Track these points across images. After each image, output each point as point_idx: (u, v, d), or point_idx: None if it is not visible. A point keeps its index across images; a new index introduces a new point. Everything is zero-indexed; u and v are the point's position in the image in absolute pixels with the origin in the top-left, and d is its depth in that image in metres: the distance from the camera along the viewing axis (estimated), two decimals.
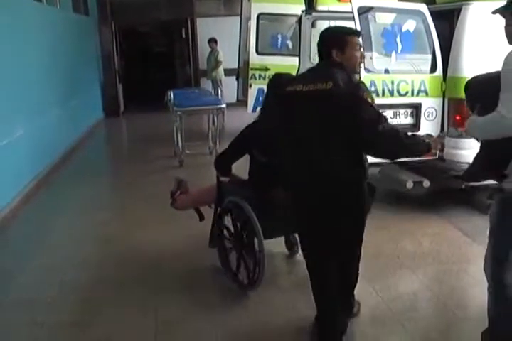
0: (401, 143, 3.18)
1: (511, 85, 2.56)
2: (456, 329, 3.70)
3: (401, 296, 4.11)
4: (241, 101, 10.36)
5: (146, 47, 19.43)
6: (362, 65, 5.13)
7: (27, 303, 4.12)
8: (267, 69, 8.91)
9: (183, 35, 15.75)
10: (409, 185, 5.53)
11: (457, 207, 5.81)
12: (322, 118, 3.17)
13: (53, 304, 4.11)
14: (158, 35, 19.67)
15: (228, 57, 12.05)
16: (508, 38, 2.74)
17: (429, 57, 5.54)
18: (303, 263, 3.57)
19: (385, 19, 5.96)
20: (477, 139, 2.96)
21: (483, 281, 3.02)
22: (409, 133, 3.33)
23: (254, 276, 3.99)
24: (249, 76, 9.20)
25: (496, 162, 2.85)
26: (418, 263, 4.60)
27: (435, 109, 5.51)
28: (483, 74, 3.04)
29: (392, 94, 5.40)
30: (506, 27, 2.73)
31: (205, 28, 14.00)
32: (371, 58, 5.42)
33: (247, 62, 9.44)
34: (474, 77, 3.16)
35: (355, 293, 3.66)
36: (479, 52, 5.17)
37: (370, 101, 3.15)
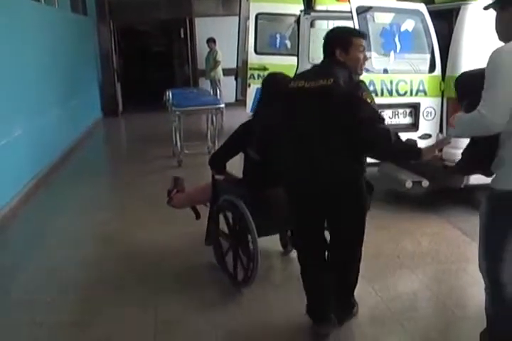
0: (395, 146, 3.19)
1: (495, 83, 2.56)
2: (455, 328, 3.70)
3: (400, 296, 4.12)
4: (240, 101, 10.36)
5: (144, 46, 19.44)
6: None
7: (27, 303, 4.12)
8: (265, 68, 8.91)
9: (182, 35, 15.77)
10: (409, 184, 5.54)
11: (456, 207, 5.81)
12: (322, 115, 3.21)
13: (53, 304, 4.11)
14: (156, 35, 19.69)
15: (227, 57, 12.07)
16: (497, 34, 2.76)
17: (428, 56, 5.55)
18: (297, 261, 3.63)
19: (383, 19, 5.96)
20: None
21: (482, 280, 3.02)
22: (406, 138, 3.37)
23: (248, 273, 4.03)
24: (248, 76, 9.20)
25: (481, 157, 2.86)
26: (417, 263, 4.60)
27: (434, 109, 5.51)
28: (473, 70, 3.05)
29: (391, 93, 5.41)
30: (496, 22, 2.75)
31: (204, 27, 14.00)
32: (370, 58, 5.42)
33: (245, 62, 9.44)
34: (463, 73, 3.18)
35: (355, 293, 3.66)
36: (478, 51, 5.17)
37: (369, 101, 3.17)
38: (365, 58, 3.41)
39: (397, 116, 5.49)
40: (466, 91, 2.99)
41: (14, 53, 6.86)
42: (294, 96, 3.38)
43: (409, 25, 5.55)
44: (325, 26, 8.00)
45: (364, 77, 5.14)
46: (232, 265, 4.19)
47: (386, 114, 5.42)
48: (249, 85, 9.21)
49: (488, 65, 2.61)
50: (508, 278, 2.84)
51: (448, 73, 5.42)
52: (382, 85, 5.37)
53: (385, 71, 5.49)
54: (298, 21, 7.77)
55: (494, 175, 2.80)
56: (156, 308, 3.96)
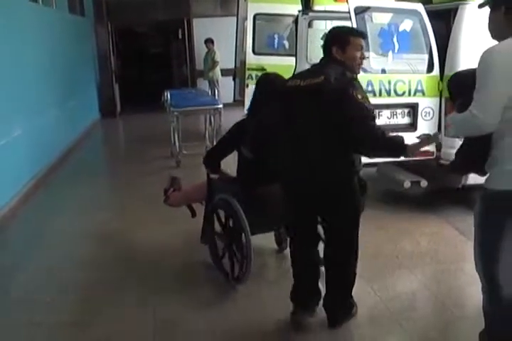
0: (382, 142, 3.24)
1: (486, 83, 2.57)
2: (454, 328, 3.71)
3: (399, 296, 4.13)
4: (238, 102, 10.35)
5: (142, 47, 19.43)
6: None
7: (26, 303, 4.13)
8: (263, 69, 8.89)
9: (180, 36, 15.76)
10: (407, 184, 5.54)
11: (454, 207, 5.82)
12: (315, 113, 3.26)
13: (53, 304, 4.11)
14: (154, 36, 19.68)
15: (225, 58, 12.06)
16: (490, 32, 2.77)
17: (426, 56, 5.54)
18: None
19: (381, 19, 5.96)
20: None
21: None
22: (393, 134, 3.43)
23: (242, 270, 4.07)
24: (246, 76, 9.18)
25: (474, 156, 2.86)
26: (416, 263, 4.61)
27: (432, 109, 5.51)
28: (466, 70, 3.07)
29: (389, 94, 5.40)
30: (489, 21, 2.76)
31: (202, 28, 13.99)
32: (368, 58, 5.42)
33: (243, 63, 9.43)
34: (456, 73, 3.19)
35: (353, 293, 3.67)
36: (476, 51, 5.16)
37: (360, 97, 3.19)
38: (363, 57, 3.44)
39: (395, 116, 5.49)
40: (458, 91, 3.01)
41: (12, 54, 6.86)
42: (291, 95, 3.43)
43: (407, 25, 5.55)
44: (323, 26, 8.01)
45: (362, 77, 5.21)
46: (227, 262, 4.24)
47: (384, 114, 5.43)
48: (248, 85, 9.19)
49: (479, 65, 2.62)
50: (505, 278, 2.83)
51: (446, 73, 5.41)
52: (381, 85, 5.37)
53: (383, 71, 5.49)
54: (296, 22, 7.77)
55: (487, 175, 2.80)
56: (154, 308, 3.97)
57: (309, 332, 3.59)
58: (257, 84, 4.31)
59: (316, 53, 8.24)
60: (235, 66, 10.46)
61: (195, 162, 7.77)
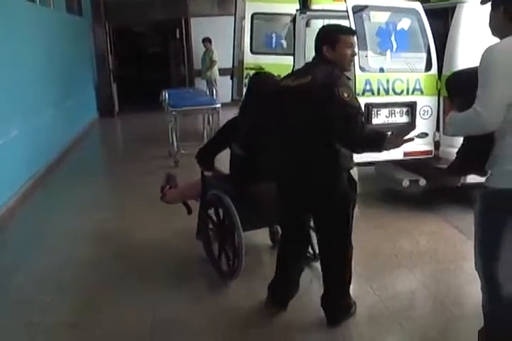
0: (365, 136, 3.27)
1: (488, 82, 2.57)
2: (453, 327, 3.70)
3: (398, 295, 4.12)
4: (236, 101, 10.31)
5: (140, 47, 19.41)
6: (357, 62, 5.20)
7: (26, 303, 4.12)
8: (261, 68, 8.88)
9: (178, 35, 15.73)
10: (405, 183, 5.55)
11: (453, 206, 5.82)
12: (305, 112, 3.31)
13: (52, 304, 4.11)
14: (152, 35, 19.66)
15: (223, 57, 12.03)
16: (490, 29, 2.78)
17: (424, 55, 5.54)
18: None
19: (379, 18, 5.94)
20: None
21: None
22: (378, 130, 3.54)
23: (233, 266, 4.14)
24: (244, 75, 9.17)
25: (474, 157, 2.86)
26: (415, 262, 4.61)
27: (430, 108, 5.50)
28: (465, 69, 3.07)
29: (387, 92, 5.40)
30: (489, 18, 2.77)
31: (200, 27, 13.98)
32: (366, 57, 5.42)
33: (241, 62, 9.42)
34: (455, 72, 3.19)
35: (352, 292, 3.67)
36: (474, 50, 5.15)
37: (346, 96, 3.20)
38: (354, 54, 3.48)
39: (393, 115, 5.48)
40: (457, 90, 3.01)
41: (10, 54, 6.84)
42: (282, 96, 3.50)
43: (405, 24, 5.54)
44: (321, 25, 7.99)
45: (360, 76, 5.24)
46: (219, 258, 4.33)
47: (383, 113, 5.42)
48: (246, 85, 9.19)
49: (480, 63, 2.62)
50: (504, 277, 2.83)
51: (444, 72, 5.41)
52: (379, 84, 5.36)
53: (381, 70, 5.48)
54: (294, 21, 7.75)
55: (488, 174, 2.80)
56: (154, 307, 3.97)
57: (309, 331, 3.59)
58: (249, 83, 4.42)
59: (313, 52, 8.25)
60: (233, 65, 10.43)
61: (194, 161, 7.74)
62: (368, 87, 5.29)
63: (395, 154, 5.50)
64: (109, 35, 14.31)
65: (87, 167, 8.92)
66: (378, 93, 5.37)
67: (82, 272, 4.67)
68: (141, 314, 3.89)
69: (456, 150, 3.08)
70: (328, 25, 3.82)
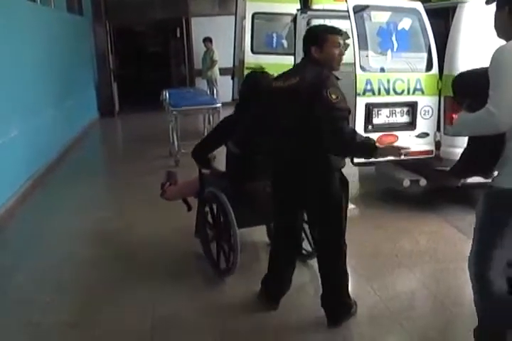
0: (354, 143, 3.31)
1: (500, 82, 2.56)
2: (453, 327, 3.71)
3: (399, 295, 4.12)
4: (236, 101, 10.32)
5: (140, 46, 19.42)
6: (358, 62, 5.19)
7: (26, 303, 4.12)
8: (262, 68, 8.86)
9: (178, 35, 15.72)
10: (406, 183, 5.54)
11: (453, 205, 5.82)
12: (294, 112, 3.36)
13: (52, 304, 4.11)
14: (153, 35, 19.67)
15: (223, 57, 12.03)
16: (496, 30, 2.77)
17: (425, 55, 5.53)
18: None
19: (380, 18, 5.93)
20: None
21: None
22: (366, 137, 3.58)
23: (229, 262, 4.19)
24: (245, 75, 9.16)
25: (482, 158, 2.86)
26: (415, 262, 4.61)
27: (431, 108, 5.49)
28: (471, 70, 3.05)
29: (388, 92, 5.39)
30: (495, 19, 2.76)
31: (200, 27, 13.98)
32: (367, 56, 5.41)
33: (242, 62, 9.41)
34: (462, 73, 3.18)
35: (353, 292, 3.67)
36: (475, 50, 5.17)
37: (334, 98, 3.23)
38: (342, 54, 3.51)
39: (394, 115, 5.47)
40: (466, 91, 3.00)
41: (10, 53, 6.84)
42: (274, 96, 3.55)
43: (406, 23, 5.53)
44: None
45: (361, 75, 5.23)
46: (216, 255, 4.38)
47: (383, 113, 5.41)
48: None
49: (491, 63, 2.61)
50: (495, 274, 2.86)
51: (445, 72, 5.41)
52: (379, 84, 5.35)
53: (382, 70, 5.46)
54: (294, 20, 7.75)
55: (496, 174, 2.80)
56: (153, 306, 3.98)
57: (308, 331, 3.59)
58: (244, 82, 4.46)
59: None
60: (234, 65, 10.43)
61: (194, 161, 7.77)
62: (368, 87, 5.28)
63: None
64: (110, 35, 14.30)
65: (87, 166, 8.92)
66: (379, 93, 5.36)
67: (82, 272, 4.67)
68: (141, 313, 3.89)
69: (457, 150, 3.09)
70: (315, 26, 3.88)
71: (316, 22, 7.78)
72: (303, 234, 4.23)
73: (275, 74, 3.87)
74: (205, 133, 8.98)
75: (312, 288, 4.04)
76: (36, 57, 8.24)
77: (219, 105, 8.53)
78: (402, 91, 5.43)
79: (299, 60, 7.73)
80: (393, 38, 5.45)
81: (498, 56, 2.59)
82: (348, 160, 5.59)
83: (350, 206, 6.03)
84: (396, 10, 5.68)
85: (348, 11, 5.25)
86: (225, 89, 11.35)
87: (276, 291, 3.85)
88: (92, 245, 5.30)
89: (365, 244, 4.94)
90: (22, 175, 6.95)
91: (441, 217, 5.54)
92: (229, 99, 10.77)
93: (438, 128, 5.53)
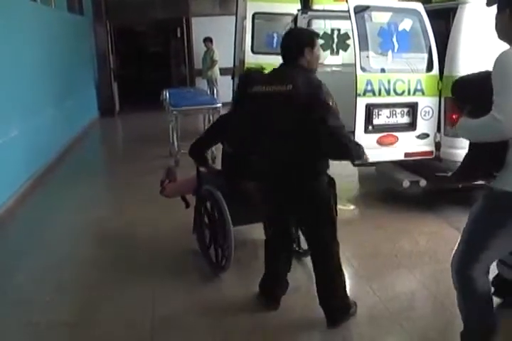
0: (352, 146, 3.41)
1: (505, 88, 2.52)
2: (453, 327, 3.67)
3: (398, 296, 4.12)
4: None
5: (141, 46, 19.41)
6: (358, 63, 5.21)
7: (26, 303, 4.12)
8: (262, 68, 8.86)
9: (179, 35, 15.73)
10: (406, 184, 5.54)
11: (453, 206, 5.81)
12: (288, 116, 3.38)
13: (52, 303, 4.11)
14: (153, 35, 19.66)
15: (224, 57, 12.03)
16: (497, 32, 2.75)
17: (426, 56, 5.53)
18: None
19: (381, 18, 5.94)
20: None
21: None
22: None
23: (223, 258, 4.26)
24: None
25: (483, 163, 2.85)
26: (415, 263, 4.61)
27: (432, 108, 5.50)
28: (472, 74, 3.04)
29: (388, 93, 5.39)
30: (496, 21, 2.74)
31: (201, 27, 13.98)
32: (367, 57, 5.41)
33: (242, 62, 9.40)
34: (462, 78, 3.17)
35: (352, 293, 3.67)
36: (475, 51, 5.17)
37: (330, 103, 3.32)
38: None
39: (394, 115, 5.47)
40: (467, 96, 2.97)
41: (10, 53, 6.84)
42: (257, 100, 3.57)
43: (406, 24, 5.54)
44: (322, 26, 7.99)
45: (361, 76, 5.24)
46: (211, 251, 4.45)
47: (384, 114, 5.42)
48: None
49: (495, 67, 2.57)
50: (479, 273, 2.87)
51: (446, 72, 5.41)
52: (380, 85, 5.35)
53: (383, 70, 5.47)
54: (295, 21, 7.74)
55: (498, 175, 2.79)
56: (153, 305, 3.98)
57: (308, 331, 3.60)
58: (239, 80, 4.51)
59: None
60: (234, 65, 10.42)
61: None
62: (369, 88, 5.29)
63: (396, 155, 5.51)
64: (110, 35, 14.30)
65: (86, 166, 8.92)
66: (379, 93, 5.36)
67: (82, 271, 4.67)
68: (141, 313, 3.89)
69: (457, 151, 3.08)
70: (303, 29, 3.96)
71: (316, 22, 7.81)
72: (299, 232, 4.30)
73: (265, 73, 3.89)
74: None
75: (312, 287, 4.03)
76: (36, 56, 8.24)
77: (219, 105, 8.53)
78: (403, 92, 5.44)
79: None
80: (394, 39, 5.46)
81: (502, 61, 2.56)
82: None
83: (350, 206, 6.07)
84: (397, 11, 5.69)
85: (348, 12, 5.26)
86: (225, 89, 11.36)
87: (275, 291, 3.86)
88: (92, 245, 5.31)
89: (365, 244, 4.94)
90: (22, 175, 6.95)
91: (441, 217, 5.54)
92: (229, 99, 10.72)
93: (438, 129, 5.53)
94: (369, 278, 4.26)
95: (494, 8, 2.76)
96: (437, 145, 5.54)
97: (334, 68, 8.09)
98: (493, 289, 3.59)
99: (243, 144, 4.03)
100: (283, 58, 3.57)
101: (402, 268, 4.54)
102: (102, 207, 6.53)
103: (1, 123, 6.30)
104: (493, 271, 3.45)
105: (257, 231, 4.83)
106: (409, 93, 5.45)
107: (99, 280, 4.45)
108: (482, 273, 2.90)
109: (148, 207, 6.02)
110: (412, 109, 5.49)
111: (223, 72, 12.30)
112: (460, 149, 5.06)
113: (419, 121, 5.50)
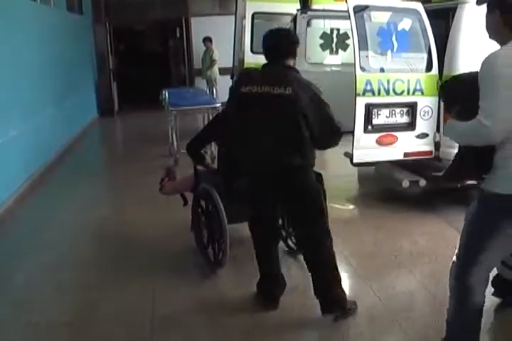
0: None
1: (492, 93, 2.48)
2: None
3: (398, 295, 4.12)
4: None
5: (140, 46, 19.38)
6: (358, 62, 5.22)
7: (25, 303, 4.12)
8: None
9: (178, 35, 15.72)
10: (405, 184, 5.54)
11: (453, 206, 5.80)
12: (277, 118, 3.44)
13: (52, 303, 4.11)
14: (152, 35, 19.63)
15: (223, 56, 12.04)
16: (487, 32, 2.73)
17: (425, 56, 5.54)
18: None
19: (380, 18, 5.95)
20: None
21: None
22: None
23: (219, 255, 4.31)
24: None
25: (473, 163, 2.84)
26: (414, 262, 4.61)
27: (431, 108, 5.51)
28: (463, 74, 3.03)
29: (387, 93, 5.40)
30: (486, 21, 2.73)
31: (200, 27, 13.98)
32: (367, 57, 5.42)
33: (241, 61, 9.42)
34: (450, 79, 3.17)
35: (352, 292, 3.67)
36: (475, 51, 5.17)
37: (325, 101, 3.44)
38: None
39: (394, 115, 5.48)
40: (454, 97, 2.94)
41: (9, 53, 6.84)
42: (247, 101, 3.58)
43: (406, 24, 5.54)
44: (321, 25, 8.00)
45: (360, 76, 5.24)
46: (213, 249, 4.45)
47: (383, 113, 5.43)
48: None
49: (482, 70, 2.54)
50: (477, 281, 2.86)
51: (445, 72, 5.42)
52: (379, 84, 5.36)
53: (382, 70, 5.48)
54: (294, 20, 7.76)
55: (486, 177, 2.77)
56: (153, 305, 3.99)
57: (308, 330, 3.60)
58: (237, 79, 4.50)
59: (314, 52, 8.24)
60: (233, 65, 10.44)
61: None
62: (368, 87, 5.29)
63: (396, 154, 5.51)
64: (110, 34, 14.27)
65: (86, 166, 8.93)
66: (379, 93, 5.37)
67: (82, 271, 4.67)
68: (141, 312, 3.89)
69: (456, 151, 3.07)
70: (287, 29, 4.11)
71: (316, 22, 7.82)
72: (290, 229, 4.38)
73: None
74: None
75: (309, 286, 4.04)
76: (36, 56, 8.23)
77: (218, 105, 8.53)
78: (402, 92, 5.45)
79: (298, 60, 7.78)
80: (393, 39, 5.47)
81: (489, 63, 2.51)
82: (347, 160, 5.62)
83: (349, 206, 6.07)
84: (396, 10, 5.70)
85: (348, 11, 5.26)
86: (225, 89, 11.29)
87: (274, 292, 3.86)
88: (92, 244, 5.32)
89: (365, 244, 4.95)
90: (22, 175, 6.95)
91: (440, 217, 5.54)
92: None
93: (438, 129, 5.54)
94: (369, 278, 4.26)
95: (485, 7, 2.76)
96: (437, 145, 5.54)
97: (333, 68, 8.11)
98: (493, 289, 3.62)
99: (230, 143, 4.06)
100: (269, 57, 3.60)
101: (401, 268, 4.54)
102: (102, 207, 6.53)
103: (0, 123, 6.30)
104: (493, 271, 3.45)
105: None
106: (408, 93, 5.46)
107: (99, 280, 4.45)
108: (480, 281, 2.87)
109: (148, 207, 6.02)
110: (412, 108, 5.50)
111: (223, 71, 12.30)
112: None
113: (419, 120, 5.50)
